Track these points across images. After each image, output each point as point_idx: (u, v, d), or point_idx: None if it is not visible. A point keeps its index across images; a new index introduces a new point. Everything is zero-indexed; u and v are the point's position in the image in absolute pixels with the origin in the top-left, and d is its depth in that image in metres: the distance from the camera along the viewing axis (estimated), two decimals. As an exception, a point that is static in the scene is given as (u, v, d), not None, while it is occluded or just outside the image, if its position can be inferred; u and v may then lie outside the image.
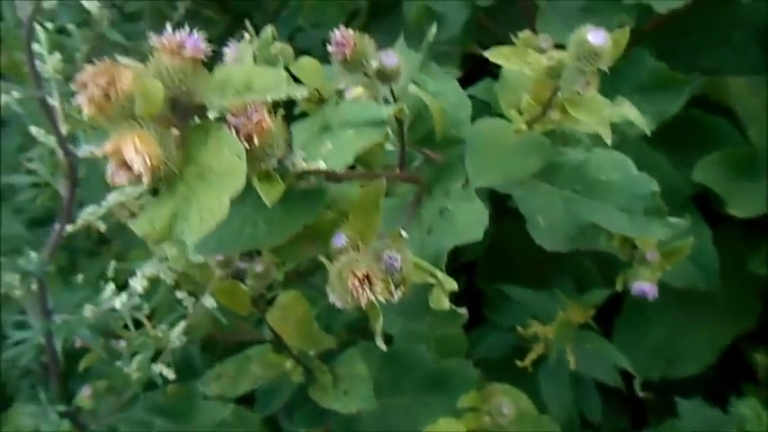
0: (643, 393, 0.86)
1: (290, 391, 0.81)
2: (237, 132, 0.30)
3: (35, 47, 0.54)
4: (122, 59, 0.29)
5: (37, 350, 0.57)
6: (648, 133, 0.48)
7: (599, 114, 0.39)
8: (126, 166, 0.27)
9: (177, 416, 0.74)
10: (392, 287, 0.35)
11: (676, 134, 0.88)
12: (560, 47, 0.70)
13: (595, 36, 0.36)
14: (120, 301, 0.52)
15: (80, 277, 0.81)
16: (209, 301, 0.59)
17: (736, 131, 0.90)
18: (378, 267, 0.35)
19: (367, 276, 0.34)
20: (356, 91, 0.36)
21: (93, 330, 0.52)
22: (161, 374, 0.62)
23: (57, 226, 0.55)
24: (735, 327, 0.92)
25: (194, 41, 0.28)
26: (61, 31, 0.61)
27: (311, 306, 0.65)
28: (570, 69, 0.37)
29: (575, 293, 0.81)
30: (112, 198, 0.75)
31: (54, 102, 0.49)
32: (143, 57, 0.30)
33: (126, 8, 1.05)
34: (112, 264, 0.87)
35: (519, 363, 0.77)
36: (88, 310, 0.53)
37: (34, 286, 0.60)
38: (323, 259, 0.35)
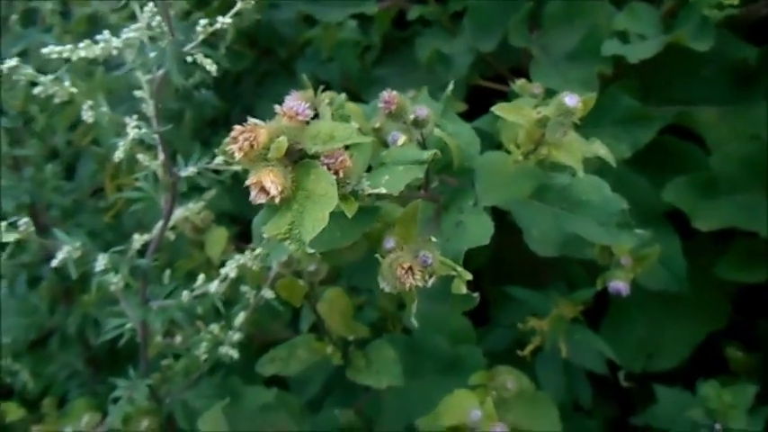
0: (626, 383, 0.99)
1: (323, 378, 0.95)
2: (329, 168, 0.44)
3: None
4: (256, 120, 0.44)
5: (131, 334, 0.71)
6: (614, 164, 0.63)
7: (576, 155, 0.53)
8: (264, 191, 0.42)
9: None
10: (426, 276, 0.50)
11: (653, 157, 1.02)
12: (549, 90, 0.85)
13: (570, 99, 0.50)
14: (214, 287, 0.66)
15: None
16: (268, 293, 0.74)
17: (703, 155, 1.03)
18: (416, 262, 0.50)
19: (410, 267, 0.49)
20: (402, 140, 0.51)
21: (186, 314, 0.66)
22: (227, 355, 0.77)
23: (159, 228, 0.69)
24: (707, 325, 1.04)
25: (304, 109, 0.43)
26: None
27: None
28: (553, 122, 0.52)
29: (567, 293, 0.96)
30: (179, 213, 0.91)
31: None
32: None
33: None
34: (167, 272, 1.02)
35: (519, 353, 0.91)
36: (186, 296, 0.67)
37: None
38: (378, 257, 0.50)
